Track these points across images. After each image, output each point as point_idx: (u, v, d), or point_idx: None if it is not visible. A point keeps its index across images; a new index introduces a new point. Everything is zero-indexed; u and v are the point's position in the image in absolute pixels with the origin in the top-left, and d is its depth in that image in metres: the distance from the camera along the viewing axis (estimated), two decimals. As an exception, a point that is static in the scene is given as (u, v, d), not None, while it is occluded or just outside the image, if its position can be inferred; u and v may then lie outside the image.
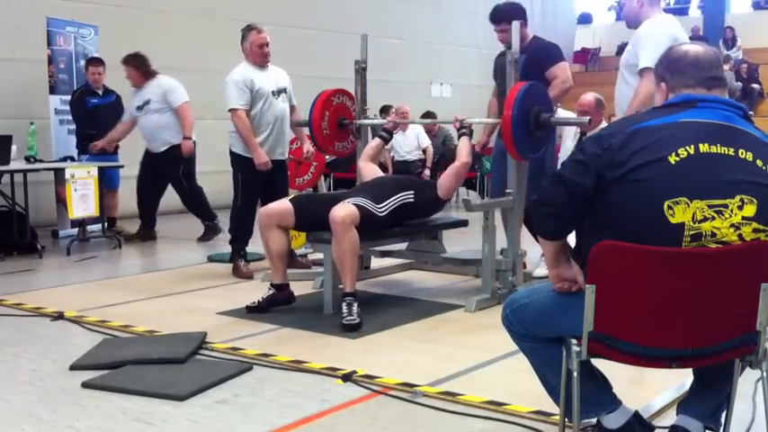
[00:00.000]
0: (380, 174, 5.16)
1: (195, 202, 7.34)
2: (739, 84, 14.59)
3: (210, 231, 7.40)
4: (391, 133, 5.34)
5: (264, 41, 5.44)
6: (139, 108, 7.12)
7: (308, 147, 6.05)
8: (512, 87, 4.69)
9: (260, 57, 5.46)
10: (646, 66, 4.18)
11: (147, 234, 7.51)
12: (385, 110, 9.75)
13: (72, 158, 7.22)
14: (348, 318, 4.19)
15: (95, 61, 7.36)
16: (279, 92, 5.55)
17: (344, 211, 4.25)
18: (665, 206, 2.10)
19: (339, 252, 4.26)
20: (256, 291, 4.78)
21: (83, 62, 7.88)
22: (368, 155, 5.22)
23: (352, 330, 4.13)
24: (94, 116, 7.28)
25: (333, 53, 9.87)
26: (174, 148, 7.09)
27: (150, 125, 7.10)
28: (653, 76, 4.03)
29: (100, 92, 7.36)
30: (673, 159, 2.12)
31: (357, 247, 4.33)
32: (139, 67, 7.06)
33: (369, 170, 5.11)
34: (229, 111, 5.42)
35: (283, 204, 4.57)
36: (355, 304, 4.24)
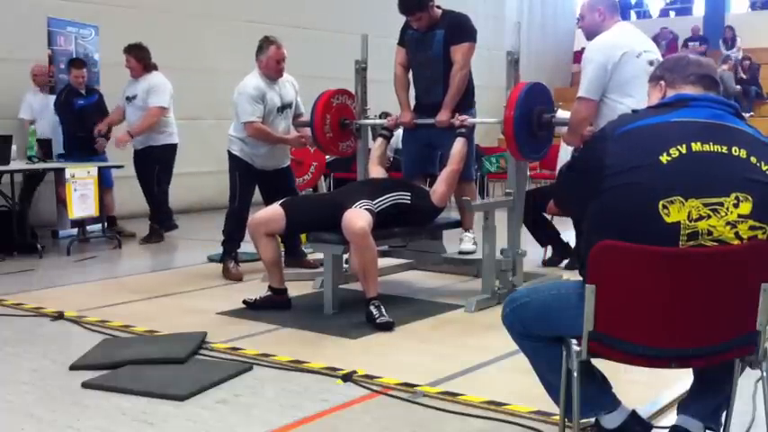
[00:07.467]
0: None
1: (158, 206, 7.32)
2: (738, 87, 14.55)
3: (154, 234, 7.36)
4: (392, 131, 5.35)
5: (283, 56, 5.44)
6: (128, 99, 7.15)
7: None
8: (513, 87, 4.69)
9: (275, 71, 5.45)
10: (580, 95, 4.09)
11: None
12: (385, 116, 9.75)
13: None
14: (381, 318, 4.20)
15: (79, 63, 7.33)
16: (283, 108, 5.54)
17: (362, 220, 4.20)
18: (660, 205, 2.10)
19: (364, 263, 4.24)
20: (256, 291, 4.78)
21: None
22: (376, 156, 5.20)
23: (387, 330, 4.14)
24: (82, 117, 7.25)
25: (333, 53, 9.86)
26: (153, 148, 7.13)
27: (133, 120, 7.12)
28: (583, 104, 4.07)
29: (83, 92, 7.34)
30: (664, 159, 2.13)
31: (377, 253, 4.33)
32: (139, 58, 7.06)
33: (375, 173, 5.09)
34: (243, 123, 5.41)
35: (272, 209, 4.55)
36: (382, 306, 4.27)
